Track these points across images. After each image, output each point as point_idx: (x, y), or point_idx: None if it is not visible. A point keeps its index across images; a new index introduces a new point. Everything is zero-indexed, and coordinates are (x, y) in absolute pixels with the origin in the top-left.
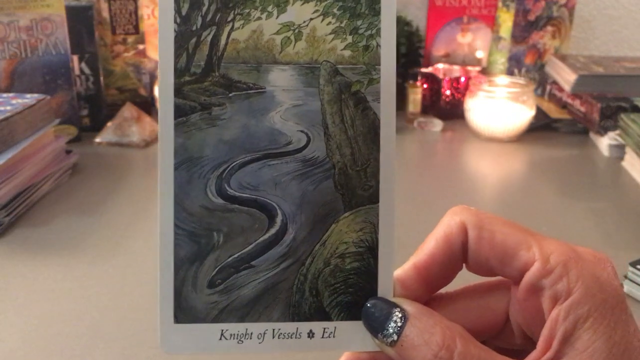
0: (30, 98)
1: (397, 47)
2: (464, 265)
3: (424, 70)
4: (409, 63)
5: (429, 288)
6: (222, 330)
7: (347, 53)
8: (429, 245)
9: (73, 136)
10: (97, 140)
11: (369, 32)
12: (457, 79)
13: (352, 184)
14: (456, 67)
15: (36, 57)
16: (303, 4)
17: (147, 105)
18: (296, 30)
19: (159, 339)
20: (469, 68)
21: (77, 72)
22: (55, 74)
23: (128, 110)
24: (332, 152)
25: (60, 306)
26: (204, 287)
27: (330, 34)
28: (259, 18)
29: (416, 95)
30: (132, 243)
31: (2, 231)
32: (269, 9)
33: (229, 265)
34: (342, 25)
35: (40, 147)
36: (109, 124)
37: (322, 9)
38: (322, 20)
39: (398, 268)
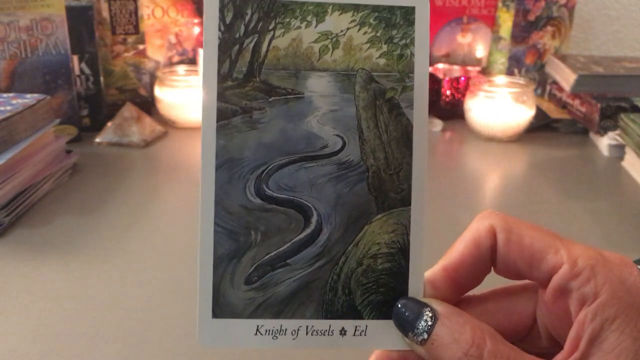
0: (30, 98)
1: None
2: (492, 268)
3: None
4: None
5: (458, 290)
6: (258, 326)
7: (382, 61)
8: (459, 248)
9: (73, 136)
10: (97, 140)
11: (403, 41)
12: (457, 79)
13: (385, 187)
14: (456, 67)
15: (36, 57)
16: (341, 14)
17: (147, 105)
18: (334, 39)
19: (196, 333)
20: (469, 68)
21: (77, 72)
22: (55, 74)
23: (128, 110)
24: (367, 155)
25: (60, 306)
26: (241, 283)
27: (366, 42)
28: (299, 27)
29: None
30: (132, 243)
31: (2, 231)
32: (309, 18)
33: (265, 263)
34: (378, 34)
35: (40, 147)
36: (109, 124)
37: (359, 19)
38: (359, 29)
39: (428, 270)
